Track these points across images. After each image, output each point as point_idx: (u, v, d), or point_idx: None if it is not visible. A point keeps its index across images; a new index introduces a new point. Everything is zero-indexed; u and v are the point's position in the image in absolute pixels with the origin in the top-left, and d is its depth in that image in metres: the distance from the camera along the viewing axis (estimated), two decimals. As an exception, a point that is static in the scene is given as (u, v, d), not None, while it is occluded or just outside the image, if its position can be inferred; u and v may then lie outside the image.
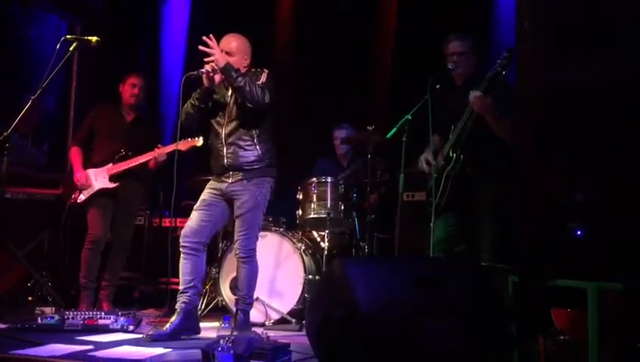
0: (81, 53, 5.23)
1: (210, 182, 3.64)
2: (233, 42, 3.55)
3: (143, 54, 6.24)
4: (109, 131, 4.34)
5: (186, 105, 3.55)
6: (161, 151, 4.18)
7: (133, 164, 4.23)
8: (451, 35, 3.47)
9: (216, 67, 3.39)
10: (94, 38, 3.40)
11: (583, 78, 2.93)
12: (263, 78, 3.50)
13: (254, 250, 3.56)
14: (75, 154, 4.35)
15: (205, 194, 3.58)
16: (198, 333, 3.46)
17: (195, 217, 3.52)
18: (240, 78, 3.36)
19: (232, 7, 5.83)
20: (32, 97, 3.20)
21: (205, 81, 3.45)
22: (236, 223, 3.55)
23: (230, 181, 3.53)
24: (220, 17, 5.88)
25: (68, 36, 3.44)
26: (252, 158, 3.52)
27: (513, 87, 3.37)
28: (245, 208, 3.50)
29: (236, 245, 3.54)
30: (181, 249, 3.49)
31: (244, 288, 3.55)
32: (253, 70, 3.58)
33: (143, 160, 4.21)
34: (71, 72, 5.58)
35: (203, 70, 3.41)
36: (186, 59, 6.27)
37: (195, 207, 3.58)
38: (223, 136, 3.52)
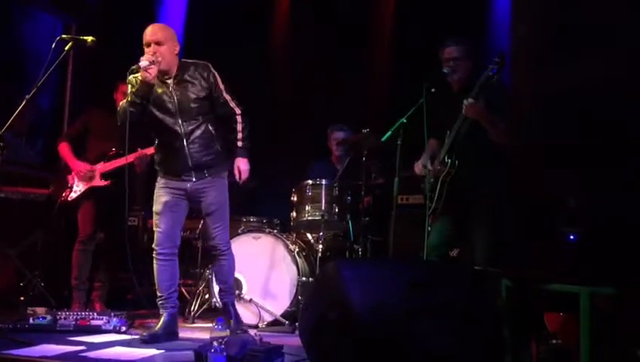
0: (77, 53, 5.21)
1: (166, 181, 3.48)
2: (159, 32, 3.42)
3: (140, 54, 6.21)
4: (102, 131, 4.34)
5: (122, 103, 3.37)
6: (141, 153, 4.14)
7: (123, 163, 4.21)
8: (447, 40, 3.47)
9: (154, 60, 3.29)
10: (90, 38, 3.39)
11: (577, 81, 2.94)
12: (219, 79, 3.47)
13: (229, 240, 3.61)
14: (66, 149, 4.32)
15: (167, 196, 3.44)
16: (177, 338, 3.45)
17: (164, 223, 3.43)
18: (247, 142, 3.50)
19: (228, 8, 5.82)
20: (27, 96, 3.19)
21: (143, 75, 3.28)
22: (208, 221, 3.50)
23: (194, 179, 3.45)
24: (216, 18, 5.87)
25: (63, 36, 3.43)
26: (215, 155, 3.48)
27: (507, 89, 3.38)
28: (217, 204, 3.49)
29: (214, 241, 3.51)
30: (158, 256, 3.42)
31: (229, 279, 3.61)
32: (191, 61, 3.49)
33: (129, 160, 4.19)
34: (66, 71, 5.57)
35: (141, 63, 3.27)
36: (182, 57, 6.24)
37: (159, 210, 3.44)
38: (183, 134, 3.39)
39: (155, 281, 3.45)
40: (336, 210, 4.32)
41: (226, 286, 3.61)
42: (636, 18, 2.77)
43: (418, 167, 3.57)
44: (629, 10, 2.82)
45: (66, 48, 3.37)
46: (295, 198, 4.44)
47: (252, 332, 3.49)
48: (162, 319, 3.40)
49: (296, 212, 4.42)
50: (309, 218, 4.32)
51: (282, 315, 4.07)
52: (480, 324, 2.31)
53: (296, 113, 5.66)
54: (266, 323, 4.08)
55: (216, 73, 3.48)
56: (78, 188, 4.24)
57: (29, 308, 4.04)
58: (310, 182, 4.38)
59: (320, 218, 4.28)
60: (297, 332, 3.41)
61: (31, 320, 3.52)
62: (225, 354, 2.53)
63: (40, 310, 3.92)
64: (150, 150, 4.14)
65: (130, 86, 3.36)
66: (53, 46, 3.28)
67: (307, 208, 4.32)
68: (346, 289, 2.23)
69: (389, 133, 3.54)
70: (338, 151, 4.95)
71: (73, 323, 3.52)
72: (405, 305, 2.23)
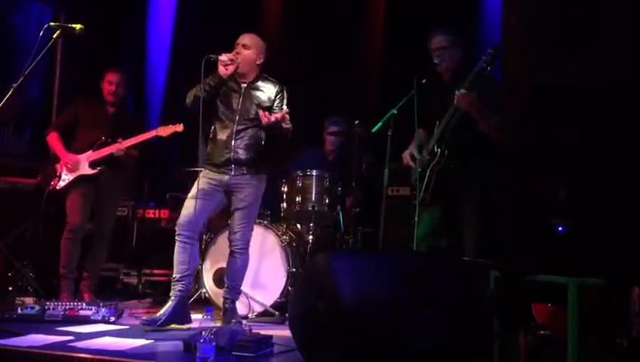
0: (66, 42, 5.16)
1: (206, 172, 3.65)
2: (248, 38, 3.66)
3: (129, 43, 6.18)
4: (91, 121, 4.33)
5: (195, 89, 3.57)
6: (119, 146, 4.16)
7: (110, 152, 4.21)
8: (434, 30, 3.46)
9: (235, 58, 3.51)
10: (78, 26, 3.37)
11: (569, 75, 2.94)
12: (285, 103, 3.68)
13: (249, 241, 3.68)
14: (56, 140, 4.31)
15: (204, 184, 3.58)
16: (190, 323, 3.50)
17: (192, 206, 3.52)
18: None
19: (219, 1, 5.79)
20: (14, 85, 3.15)
21: (220, 69, 3.50)
22: (235, 215, 3.62)
23: (233, 173, 3.59)
24: (207, 6, 5.83)
25: (51, 23, 3.39)
26: (257, 156, 3.63)
27: (498, 83, 3.38)
28: (247, 201, 3.61)
29: (235, 236, 3.62)
30: (178, 238, 3.53)
31: (238, 278, 3.68)
32: (272, 79, 3.72)
33: (110, 151, 4.20)
34: (55, 60, 5.51)
35: (221, 57, 3.49)
36: (171, 48, 6.22)
37: (191, 195, 3.58)
38: (234, 131, 3.58)
39: (174, 261, 3.54)
40: (327, 201, 4.33)
41: (233, 284, 3.68)
42: (636, 18, 2.77)
43: (406, 157, 3.58)
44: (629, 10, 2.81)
45: (54, 36, 3.33)
46: (286, 189, 4.44)
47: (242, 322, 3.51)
48: (168, 303, 3.44)
49: (286, 203, 4.42)
50: (300, 209, 4.32)
51: (272, 306, 4.07)
52: (469, 316, 2.32)
53: (288, 106, 5.63)
54: (255, 313, 4.08)
55: (286, 97, 3.72)
56: (66, 177, 4.22)
57: (18, 298, 4.03)
58: (300, 173, 4.38)
59: (310, 209, 4.28)
60: (287, 322, 3.42)
61: (19, 310, 3.50)
62: (214, 344, 2.52)
63: (28, 300, 3.92)
64: (126, 142, 4.15)
65: (210, 76, 3.56)
66: (41, 34, 3.25)
67: (297, 199, 4.32)
68: (336, 281, 2.23)
69: (380, 123, 3.54)
70: (332, 143, 4.93)
71: (62, 313, 3.50)
72: (394, 297, 2.24)
